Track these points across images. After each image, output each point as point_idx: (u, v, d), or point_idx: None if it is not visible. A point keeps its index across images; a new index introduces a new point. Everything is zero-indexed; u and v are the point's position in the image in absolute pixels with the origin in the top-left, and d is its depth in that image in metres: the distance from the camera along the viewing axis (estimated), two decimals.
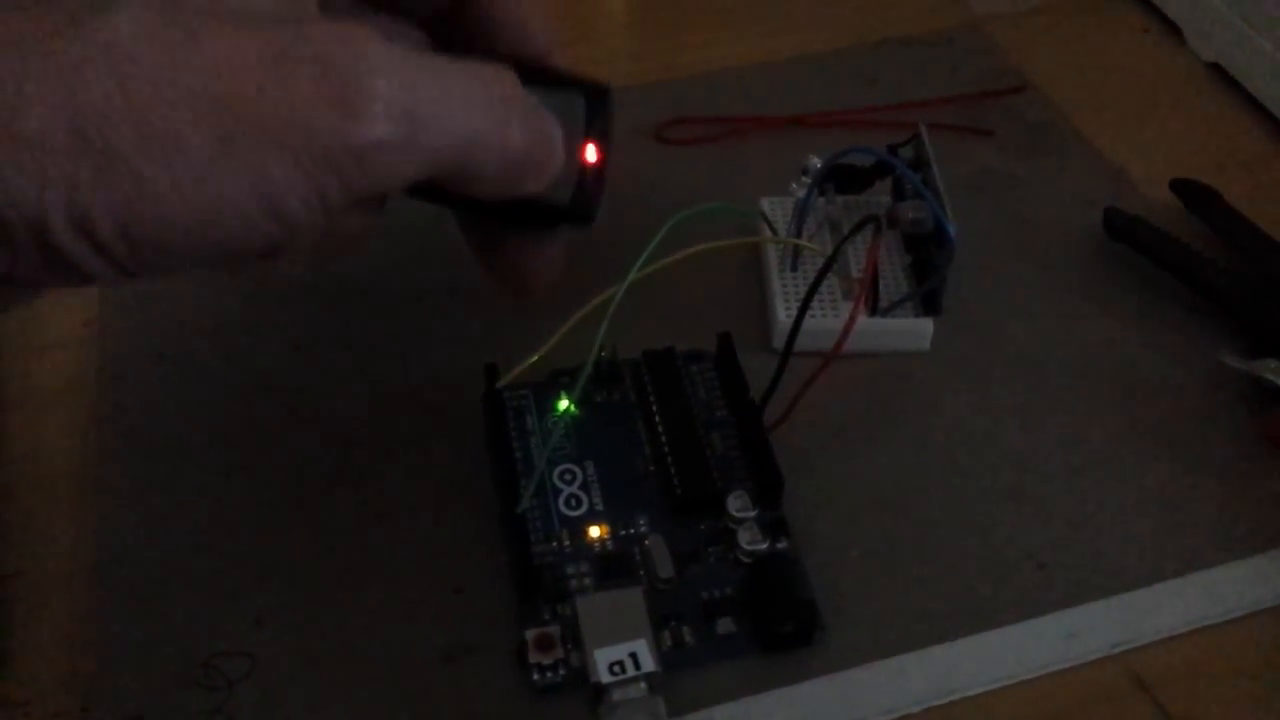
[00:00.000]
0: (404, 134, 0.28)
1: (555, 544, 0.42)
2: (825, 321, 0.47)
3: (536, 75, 0.34)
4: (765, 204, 0.53)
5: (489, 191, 0.32)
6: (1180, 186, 0.54)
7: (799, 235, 0.51)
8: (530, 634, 0.39)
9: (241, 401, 0.47)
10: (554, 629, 0.39)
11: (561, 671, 0.39)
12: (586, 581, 0.41)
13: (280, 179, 0.27)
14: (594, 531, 0.42)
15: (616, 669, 0.37)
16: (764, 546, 0.42)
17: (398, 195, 0.33)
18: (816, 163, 0.51)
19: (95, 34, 0.26)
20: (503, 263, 0.38)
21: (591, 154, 0.36)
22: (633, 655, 0.38)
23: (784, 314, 0.48)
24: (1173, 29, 0.65)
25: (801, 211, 0.51)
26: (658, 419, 0.45)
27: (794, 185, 0.51)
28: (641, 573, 0.41)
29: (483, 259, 0.39)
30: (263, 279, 0.33)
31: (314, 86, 0.27)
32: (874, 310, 0.49)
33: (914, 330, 0.49)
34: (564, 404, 0.45)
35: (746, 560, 0.41)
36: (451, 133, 0.30)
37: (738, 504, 0.42)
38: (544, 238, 0.38)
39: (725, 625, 0.40)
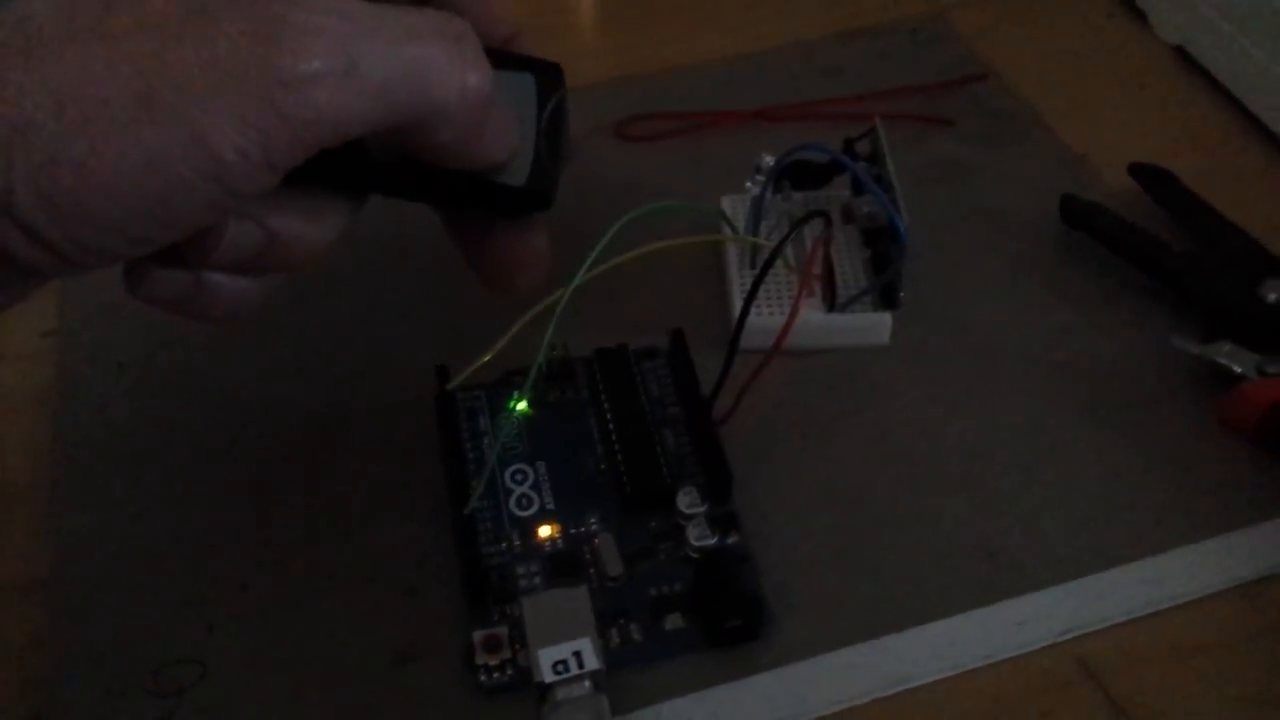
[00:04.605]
0: (342, 65, 0.27)
1: (505, 544, 0.42)
2: (782, 318, 0.47)
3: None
4: (726, 202, 0.53)
5: (450, 146, 0.31)
6: (1138, 171, 0.54)
7: (756, 233, 0.51)
8: (478, 635, 0.39)
9: (196, 410, 0.47)
10: (502, 630, 0.39)
11: (509, 672, 0.39)
12: (536, 581, 0.41)
13: (209, 128, 0.26)
14: (544, 531, 0.42)
15: (560, 668, 0.38)
16: (713, 542, 0.42)
17: (359, 196, 0.33)
18: (770, 160, 0.51)
19: (6, 17, 0.26)
20: (484, 255, 0.37)
21: (545, 134, 0.34)
22: (576, 654, 0.38)
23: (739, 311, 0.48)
24: (1137, 13, 0.65)
25: (758, 209, 0.51)
26: (609, 416, 0.45)
27: (749, 184, 0.51)
28: (591, 571, 0.42)
29: (465, 252, 0.38)
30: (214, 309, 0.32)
31: (237, 29, 0.27)
32: (832, 306, 0.49)
33: (873, 325, 0.49)
34: (515, 403, 0.45)
35: (695, 556, 0.42)
36: (398, 61, 0.29)
37: (687, 500, 0.43)
38: (524, 228, 0.36)
39: (674, 621, 0.40)
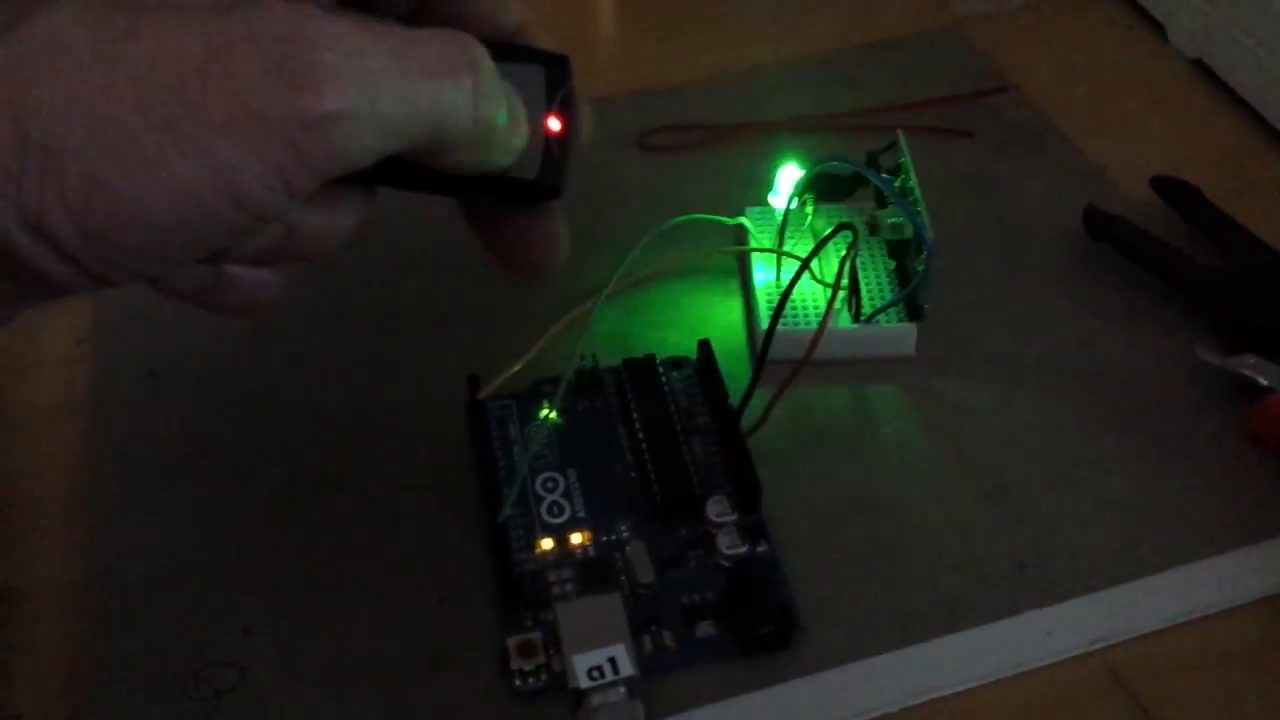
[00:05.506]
0: (359, 106, 0.28)
1: (538, 551, 0.42)
2: (808, 329, 0.48)
3: (492, 51, 0.33)
4: (750, 213, 0.54)
5: (461, 164, 0.32)
6: (1160, 184, 0.55)
7: (781, 244, 0.51)
8: (512, 641, 0.40)
9: (229, 416, 0.48)
10: (536, 635, 0.40)
11: (543, 677, 0.39)
12: (568, 588, 0.42)
13: (235, 162, 0.27)
14: (576, 538, 0.43)
15: (595, 674, 0.38)
16: (743, 550, 0.42)
17: (373, 187, 0.33)
18: (794, 172, 0.51)
19: (33, 34, 0.26)
20: (501, 243, 0.37)
21: (555, 125, 0.35)
22: (611, 660, 0.38)
23: (767, 323, 0.49)
24: (1155, 26, 0.65)
25: (783, 221, 0.51)
26: (638, 426, 0.45)
27: (773, 196, 0.52)
28: (622, 578, 0.42)
29: (483, 240, 0.38)
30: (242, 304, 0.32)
31: (259, 65, 0.27)
32: (858, 317, 0.49)
33: (898, 335, 0.50)
34: (546, 412, 0.46)
35: (726, 564, 0.42)
36: (415, 100, 0.29)
37: (717, 509, 0.43)
38: (540, 216, 0.37)
39: (705, 629, 0.41)
